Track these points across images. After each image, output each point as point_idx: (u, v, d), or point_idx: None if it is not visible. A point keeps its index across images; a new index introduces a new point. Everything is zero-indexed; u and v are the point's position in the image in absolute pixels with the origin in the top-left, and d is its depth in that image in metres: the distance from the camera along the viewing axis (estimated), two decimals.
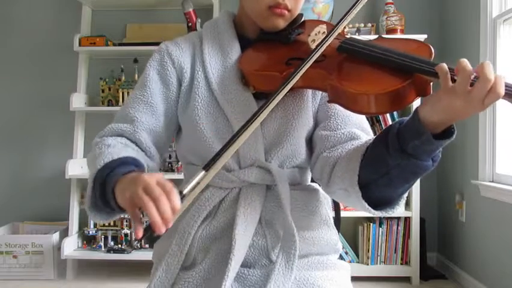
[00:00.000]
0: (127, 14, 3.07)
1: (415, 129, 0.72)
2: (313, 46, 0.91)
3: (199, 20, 2.75)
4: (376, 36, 0.95)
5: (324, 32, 0.95)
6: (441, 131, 0.73)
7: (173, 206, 0.63)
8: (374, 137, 0.85)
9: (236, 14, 1.06)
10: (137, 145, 0.94)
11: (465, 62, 0.67)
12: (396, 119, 2.89)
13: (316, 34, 0.95)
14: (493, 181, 2.33)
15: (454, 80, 0.69)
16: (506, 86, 0.67)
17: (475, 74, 0.67)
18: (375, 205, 0.83)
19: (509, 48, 2.31)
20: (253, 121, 0.76)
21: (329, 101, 0.86)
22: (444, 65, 0.70)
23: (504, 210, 2.18)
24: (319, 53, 0.83)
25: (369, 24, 2.78)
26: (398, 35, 2.67)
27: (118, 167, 0.80)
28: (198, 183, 0.69)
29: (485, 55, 2.36)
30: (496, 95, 0.66)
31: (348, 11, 0.87)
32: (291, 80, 0.80)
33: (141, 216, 0.67)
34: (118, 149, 0.87)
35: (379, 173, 0.79)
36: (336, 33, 0.85)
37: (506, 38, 2.32)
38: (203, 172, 0.70)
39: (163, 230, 0.62)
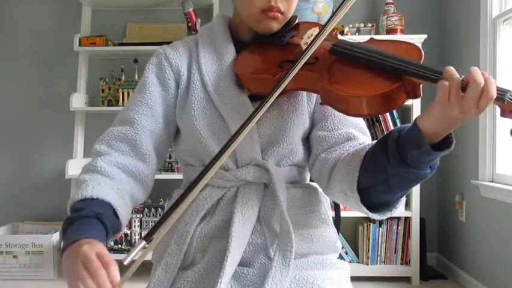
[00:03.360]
0: (127, 14, 3.07)
1: (414, 140, 0.74)
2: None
3: (199, 20, 2.75)
4: (369, 37, 0.96)
5: None
6: (440, 140, 0.74)
7: (112, 279, 0.64)
8: (374, 142, 0.86)
9: (231, 18, 1.07)
10: (135, 148, 0.94)
11: (451, 70, 0.69)
12: (396, 118, 2.85)
13: (308, 37, 0.96)
14: (493, 181, 2.33)
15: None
16: (497, 89, 0.69)
17: (463, 81, 0.68)
18: (373, 208, 0.85)
19: (509, 48, 2.31)
20: (233, 141, 0.77)
21: (321, 103, 0.88)
22: (445, 82, 0.70)
23: (504, 210, 2.18)
24: (308, 55, 0.84)
25: (369, 24, 2.78)
26: (398, 35, 2.67)
27: (80, 220, 0.77)
28: (138, 252, 0.69)
29: (485, 55, 2.36)
30: (489, 96, 0.68)
31: (335, 12, 0.86)
32: (281, 84, 0.81)
33: None
34: (99, 185, 0.83)
35: (378, 179, 0.80)
36: (324, 35, 0.85)
37: (506, 38, 2.31)
38: (143, 242, 0.70)
39: None
